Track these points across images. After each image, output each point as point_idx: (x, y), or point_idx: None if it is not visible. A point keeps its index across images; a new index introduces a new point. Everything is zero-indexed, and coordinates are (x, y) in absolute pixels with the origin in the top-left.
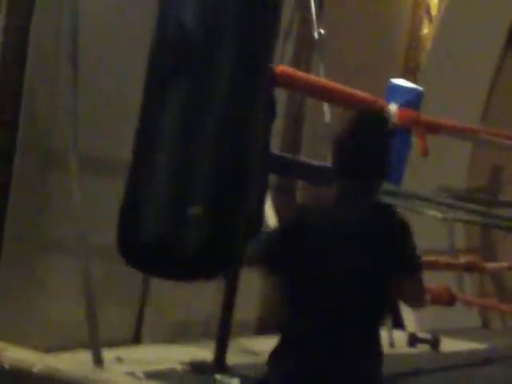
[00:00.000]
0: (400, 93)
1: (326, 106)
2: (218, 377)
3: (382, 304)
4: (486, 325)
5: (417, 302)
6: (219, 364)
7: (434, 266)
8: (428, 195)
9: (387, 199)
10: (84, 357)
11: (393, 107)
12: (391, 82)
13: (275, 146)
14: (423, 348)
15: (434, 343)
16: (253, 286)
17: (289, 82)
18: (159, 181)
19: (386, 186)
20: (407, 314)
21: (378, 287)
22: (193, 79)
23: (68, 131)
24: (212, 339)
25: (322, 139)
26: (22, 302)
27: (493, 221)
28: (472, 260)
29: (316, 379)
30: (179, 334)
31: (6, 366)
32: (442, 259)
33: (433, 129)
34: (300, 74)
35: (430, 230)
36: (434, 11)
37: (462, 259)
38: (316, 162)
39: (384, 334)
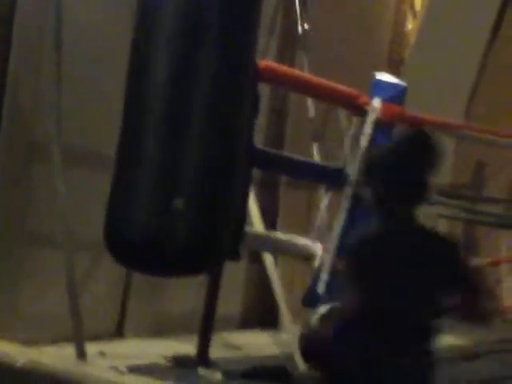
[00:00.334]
0: (384, 88)
1: (309, 101)
2: (200, 371)
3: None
4: None
5: (476, 319)
6: (202, 358)
7: None
8: None
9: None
10: (67, 351)
11: (376, 102)
12: (375, 77)
13: (259, 141)
14: None
15: None
16: (236, 280)
17: (272, 77)
18: (146, 175)
19: None
20: None
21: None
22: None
23: (50, 124)
24: (195, 333)
25: (306, 134)
26: (5, 296)
27: (476, 217)
28: None
29: None
30: (162, 329)
31: None
32: None
33: (416, 124)
34: (284, 68)
35: None
36: (417, 6)
37: None
38: (300, 157)
39: None
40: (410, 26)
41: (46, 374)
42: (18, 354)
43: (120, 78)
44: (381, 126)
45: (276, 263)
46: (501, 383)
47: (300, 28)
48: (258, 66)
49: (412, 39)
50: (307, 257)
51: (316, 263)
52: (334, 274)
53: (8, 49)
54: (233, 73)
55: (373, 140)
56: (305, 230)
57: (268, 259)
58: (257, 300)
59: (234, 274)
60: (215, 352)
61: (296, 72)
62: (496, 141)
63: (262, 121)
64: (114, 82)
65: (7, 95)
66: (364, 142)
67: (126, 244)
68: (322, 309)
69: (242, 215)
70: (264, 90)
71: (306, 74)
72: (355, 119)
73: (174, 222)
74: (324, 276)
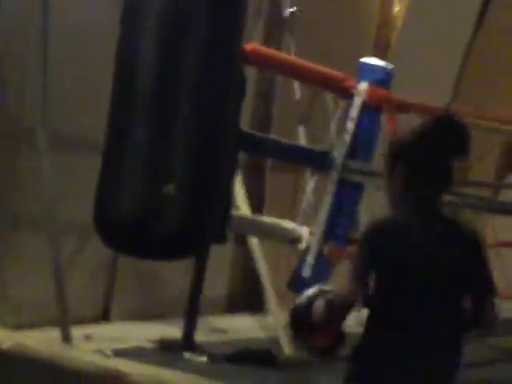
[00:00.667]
0: (370, 71)
1: (296, 84)
2: (186, 354)
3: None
4: None
5: (485, 325)
6: (188, 342)
7: None
8: None
9: (356, 178)
10: (53, 334)
11: (363, 85)
12: (362, 61)
13: (245, 124)
14: None
15: None
16: (222, 264)
17: (259, 60)
18: (134, 159)
19: (355, 164)
20: None
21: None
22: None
23: (38, 108)
24: (181, 317)
25: (293, 117)
26: None
27: (461, 200)
28: None
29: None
30: (148, 312)
31: None
32: None
33: (403, 108)
34: (270, 51)
35: None
36: None
37: None
38: (286, 140)
39: None
40: (396, 8)
41: (30, 358)
42: (4, 337)
43: (108, 63)
44: (367, 109)
45: (262, 246)
46: None
47: (287, 11)
48: (245, 48)
49: (399, 22)
50: (293, 240)
51: (302, 246)
52: (319, 257)
53: None
54: (220, 57)
55: (359, 123)
56: (291, 214)
57: (254, 242)
58: (242, 283)
59: (220, 257)
60: (201, 335)
61: (282, 55)
62: (480, 124)
63: (248, 103)
64: (101, 67)
65: None
66: (350, 125)
67: (114, 227)
68: (310, 291)
69: (228, 198)
70: (250, 72)
71: (293, 57)
72: (342, 102)
73: (163, 205)
74: (310, 260)
